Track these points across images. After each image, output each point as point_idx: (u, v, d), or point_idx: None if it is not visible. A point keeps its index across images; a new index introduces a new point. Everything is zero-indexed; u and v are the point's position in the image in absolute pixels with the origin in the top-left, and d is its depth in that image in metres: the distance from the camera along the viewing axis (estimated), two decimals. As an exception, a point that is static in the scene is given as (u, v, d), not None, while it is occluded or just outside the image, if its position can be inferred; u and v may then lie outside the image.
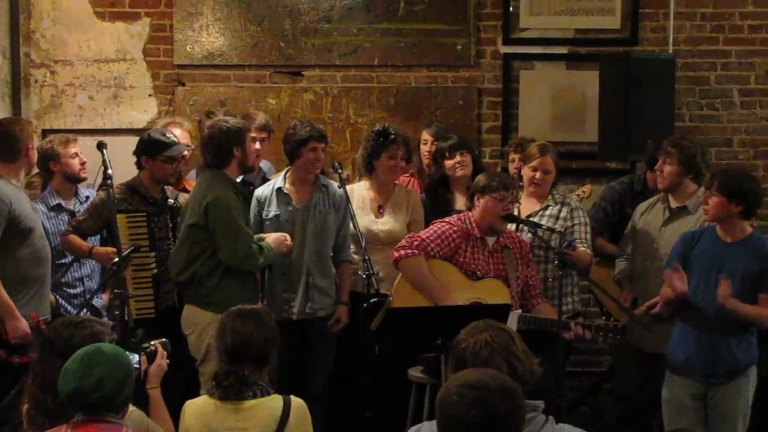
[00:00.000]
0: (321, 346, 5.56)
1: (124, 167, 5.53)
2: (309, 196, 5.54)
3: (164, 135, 5.53)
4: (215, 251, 5.09)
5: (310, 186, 5.57)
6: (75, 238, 5.44)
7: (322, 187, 5.58)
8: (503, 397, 2.58)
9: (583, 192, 6.25)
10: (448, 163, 5.83)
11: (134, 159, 5.50)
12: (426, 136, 6.29)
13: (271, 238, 5.27)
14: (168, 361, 3.94)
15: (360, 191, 5.76)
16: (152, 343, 3.92)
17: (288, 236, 5.34)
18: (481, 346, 3.05)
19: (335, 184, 5.59)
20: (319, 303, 5.50)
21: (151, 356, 3.88)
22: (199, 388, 5.00)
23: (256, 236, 5.25)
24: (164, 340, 3.98)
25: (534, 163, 5.50)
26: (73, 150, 5.72)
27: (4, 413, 4.78)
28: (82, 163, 5.75)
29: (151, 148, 5.45)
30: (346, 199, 5.50)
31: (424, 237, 5.14)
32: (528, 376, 3.01)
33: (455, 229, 5.15)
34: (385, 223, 5.69)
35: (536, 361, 3.11)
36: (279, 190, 5.54)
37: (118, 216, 5.19)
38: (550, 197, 5.53)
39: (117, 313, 4.92)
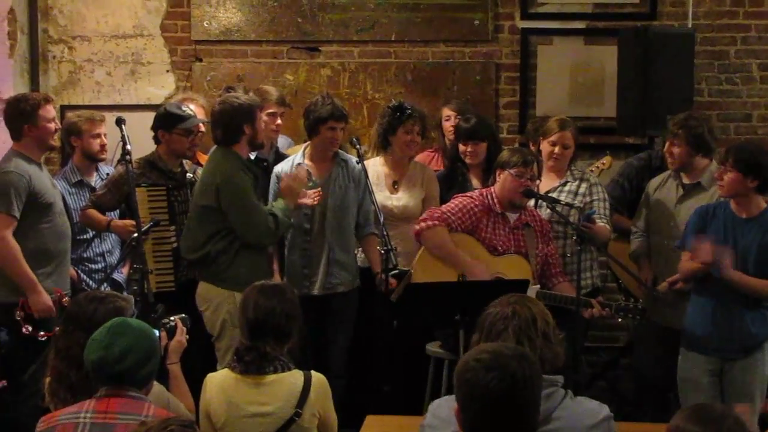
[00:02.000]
0: (340, 322, 5.56)
1: (142, 143, 5.53)
2: (328, 172, 5.53)
3: (180, 108, 5.54)
4: (230, 230, 5.09)
5: (330, 161, 5.56)
6: (93, 212, 5.46)
7: (342, 162, 5.57)
8: (519, 361, 2.57)
9: (603, 164, 6.22)
10: (461, 147, 5.81)
11: (152, 134, 5.50)
12: (448, 112, 6.22)
13: (280, 197, 5.22)
14: (187, 336, 3.97)
15: (375, 167, 5.74)
16: (172, 318, 3.95)
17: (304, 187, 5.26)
18: (497, 319, 3.07)
19: (354, 159, 5.59)
20: (339, 278, 5.50)
21: (171, 332, 3.91)
22: (215, 362, 5.04)
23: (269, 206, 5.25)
24: (184, 315, 4.01)
25: (553, 138, 5.49)
26: (97, 130, 5.72)
27: (27, 386, 4.84)
28: (102, 145, 5.74)
29: (167, 121, 5.44)
30: (365, 174, 5.49)
31: (445, 210, 5.15)
32: (541, 358, 2.96)
33: (477, 203, 5.16)
34: (400, 199, 5.68)
35: (558, 345, 3.09)
36: (299, 166, 5.53)
37: (138, 190, 5.19)
38: (568, 173, 5.52)
39: (135, 288, 4.94)
